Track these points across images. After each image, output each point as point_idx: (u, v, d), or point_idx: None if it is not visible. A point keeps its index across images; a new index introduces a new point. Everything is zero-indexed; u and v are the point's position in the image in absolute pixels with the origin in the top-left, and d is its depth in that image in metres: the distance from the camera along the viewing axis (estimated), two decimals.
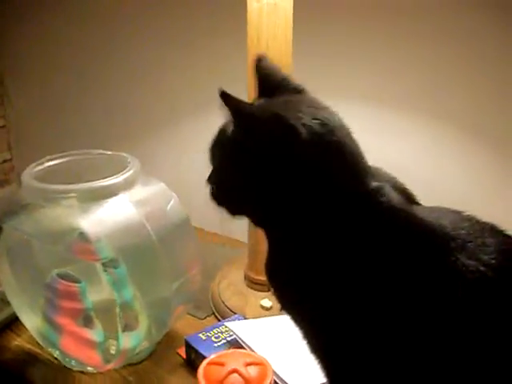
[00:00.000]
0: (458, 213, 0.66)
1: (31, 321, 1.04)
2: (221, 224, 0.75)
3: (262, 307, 1.08)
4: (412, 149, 1.16)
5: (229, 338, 0.97)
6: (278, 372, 0.85)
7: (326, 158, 0.64)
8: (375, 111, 1.15)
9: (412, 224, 0.63)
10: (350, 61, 1.18)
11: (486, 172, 1.12)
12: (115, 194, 0.91)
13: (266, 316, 1.05)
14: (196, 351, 0.95)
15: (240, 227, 1.15)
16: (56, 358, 1.02)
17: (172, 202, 0.97)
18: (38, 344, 1.04)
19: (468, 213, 0.66)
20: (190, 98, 1.43)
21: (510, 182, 1.10)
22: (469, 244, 0.61)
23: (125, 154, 1.01)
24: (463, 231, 0.62)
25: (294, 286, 0.67)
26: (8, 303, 1.06)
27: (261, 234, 1.07)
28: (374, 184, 0.65)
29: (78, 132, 1.72)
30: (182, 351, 1.00)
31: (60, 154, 1.02)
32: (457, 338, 0.58)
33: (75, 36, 1.63)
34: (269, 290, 1.11)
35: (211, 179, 0.73)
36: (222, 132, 0.69)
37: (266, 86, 0.72)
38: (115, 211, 0.90)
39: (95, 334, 0.96)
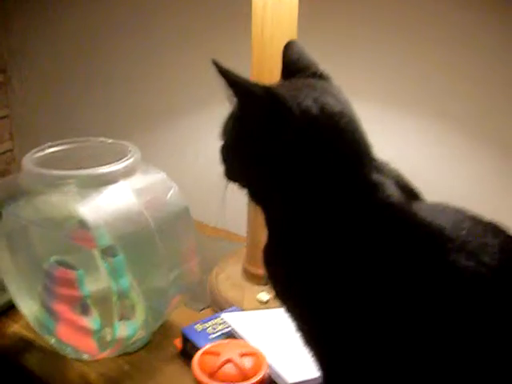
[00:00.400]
0: (461, 212, 0.65)
1: (28, 307, 1.04)
2: (220, 213, 0.75)
3: (260, 301, 1.08)
4: (414, 149, 1.16)
5: (225, 330, 0.97)
6: (272, 364, 0.84)
7: (320, 142, 0.63)
8: (377, 110, 1.15)
9: (408, 223, 0.62)
10: (354, 58, 1.18)
11: (488, 172, 1.12)
12: (115, 182, 0.91)
13: (263, 309, 1.05)
14: (191, 342, 0.95)
15: (239, 221, 1.15)
16: (52, 345, 1.02)
17: (172, 192, 0.97)
18: (35, 331, 1.04)
19: (471, 212, 0.65)
20: (193, 90, 1.43)
21: None
22: (469, 244, 0.60)
23: (125, 143, 1.01)
24: (464, 231, 0.61)
25: (290, 273, 0.66)
26: (5, 290, 1.06)
27: (260, 228, 1.08)
28: (375, 178, 0.64)
29: (81, 122, 1.72)
30: (178, 342, 1.00)
31: (61, 141, 1.02)
32: (452, 338, 0.58)
33: (78, 26, 1.63)
34: (266, 284, 1.11)
35: (223, 157, 0.73)
36: (232, 110, 0.70)
37: (289, 72, 0.72)
38: (115, 199, 0.90)
39: (91, 321, 0.96)
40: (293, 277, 0.66)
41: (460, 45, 1.08)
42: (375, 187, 0.64)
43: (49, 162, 0.97)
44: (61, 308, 0.97)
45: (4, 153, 1.91)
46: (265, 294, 1.09)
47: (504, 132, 1.08)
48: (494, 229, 0.63)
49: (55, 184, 0.90)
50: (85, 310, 0.96)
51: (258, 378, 0.78)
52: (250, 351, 0.81)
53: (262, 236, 1.07)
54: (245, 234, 1.16)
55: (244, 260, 1.16)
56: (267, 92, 0.64)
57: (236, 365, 0.78)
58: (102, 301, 0.94)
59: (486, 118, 1.09)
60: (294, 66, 0.72)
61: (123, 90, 1.60)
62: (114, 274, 0.90)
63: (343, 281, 0.62)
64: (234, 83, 0.64)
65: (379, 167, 0.66)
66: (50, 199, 0.90)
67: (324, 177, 0.63)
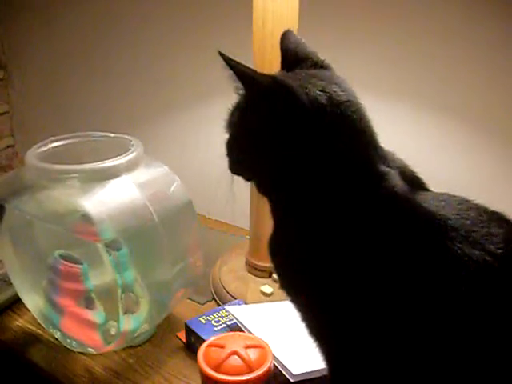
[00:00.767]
0: (466, 202, 0.65)
1: (33, 301, 1.05)
2: (227, 206, 0.75)
3: (263, 293, 1.08)
4: (413, 139, 1.16)
5: (229, 323, 0.98)
6: (277, 356, 0.85)
7: (328, 130, 0.64)
8: (377, 101, 1.15)
9: (412, 212, 0.63)
10: (353, 50, 1.18)
11: (489, 162, 1.12)
12: (118, 176, 0.91)
13: (266, 302, 1.05)
14: (196, 335, 0.96)
15: (241, 214, 1.15)
16: (57, 339, 1.02)
17: (175, 185, 0.97)
18: (40, 325, 1.05)
19: (476, 201, 0.65)
20: (195, 83, 1.43)
21: None
22: (473, 233, 0.60)
23: (128, 137, 1.01)
24: (468, 221, 0.61)
25: (296, 263, 0.67)
26: (10, 284, 1.07)
27: (263, 221, 1.09)
28: (381, 168, 0.64)
29: (82, 117, 1.72)
30: (182, 335, 1.00)
31: (64, 136, 1.02)
32: (457, 326, 0.58)
33: (79, 21, 1.63)
34: (270, 276, 1.11)
35: (228, 149, 0.73)
36: (237, 101, 0.70)
37: (289, 61, 0.72)
38: (118, 192, 0.90)
39: (96, 315, 0.97)
40: (299, 267, 0.66)
41: (459, 36, 1.08)
42: (381, 177, 0.64)
43: (52, 156, 0.97)
44: (65, 302, 0.98)
45: (5, 148, 1.91)
46: (268, 287, 1.09)
47: (504, 122, 1.08)
48: (498, 219, 0.64)
49: (58, 178, 0.90)
50: (89, 304, 0.97)
51: (263, 370, 0.78)
52: (255, 343, 0.82)
53: (265, 229, 1.07)
54: (247, 227, 1.17)
55: (247, 253, 1.16)
56: (275, 82, 0.64)
57: (241, 357, 0.78)
58: (107, 294, 0.95)
59: (486, 108, 1.09)
60: (293, 55, 0.73)
61: (125, 84, 1.60)
62: (119, 267, 0.90)
63: (348, 270, 0.62)
64: (242, 74, 0.64)
65: (385, 157, 0.66)
66: (53, 194, 0.90)
67: (331, 166, 0.64)
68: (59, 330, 1.01)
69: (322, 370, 0.73)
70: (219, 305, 1.10)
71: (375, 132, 0.67)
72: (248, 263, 1.15)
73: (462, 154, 1.15)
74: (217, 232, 1.38)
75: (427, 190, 0.70)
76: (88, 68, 1.66)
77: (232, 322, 0.97)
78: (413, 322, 0.60)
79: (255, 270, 1.14)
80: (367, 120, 0.67)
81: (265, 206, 0.73)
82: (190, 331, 0.97)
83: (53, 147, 1.00)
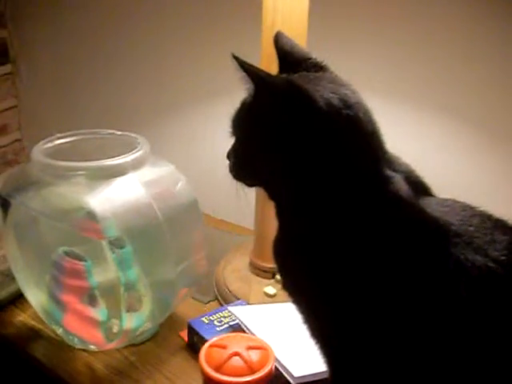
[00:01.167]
0: (470, 208, 0.65)
1: (36, 297, 1.05)
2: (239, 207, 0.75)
3: (266, 294, 1.08)
4: (416, 141, 1.16)
5: (231, 323, 0.97)
6: (279, 358, 0.85)
7: (342, 132, 0.64)
8: (379, 103, 1.15)
9: (416, 217, 0.62)
10: (358, 51, 1.17)
11: (491, 163, 1.12)
12: (124, 174, 0.91)
13: (269, 303, 1.05)
14: (198, 334, 0.95)
15: (246, 213, 1.15)
16: (59, 335, 1.02)
17: (180, 184, 0.97)
18: (42, 320, 1.05)
19: (481, 208, 0.65)
20: (202, 82, 1.43)
21: None
22: (476, 240, 0.60)
23: (135, 135, 1.01)
24: (471, 227, 0.61)
25: (300, 265, 0.67)
26: (13, 279, 1.06)
27: (268, 222, 1.08)
28: (387, 172, 0.64)
29: (90, 113, 1.72)
30: (185, 334, 1.00)
31: (70, 133, 1.02)
32: (458, 333, 0.58)
33: (87, 17, 1.63)
34: (273, 278, 1.11)
35: (231, 152, 0.73)
36: (243, 103, 0.70)
37: (287, 63, 0.72)
38: (123, 190, 0.90)
39: (99, 312, 0.97)
40: (302, 268, 0.66)
41: (462, 36, 1.07)
42: (386, 181, 0.64)
43: (58, 153, 0.97)
44: (68, 298, 0.98)
45: (12, 143, 1.91)
46: (271, 288, 1.09)
47: (507, 122, 1.08)
48: (502, 226, 0.63)
49: (64, 175, 0.90)
50: (92, 301, 0.97)
51: (265, 372, 0.78)
52: (257, 345, 0.81)
53: (270, 229, 1.06)
54: (252, 227, 1.16)
55: (251, 253, 1.16)
56: (291, 85, 0.64)
57: (243, 358, 0.78)
58: (110, 292, 0.95)
59: (489, 108, 1.09)
60: (290, 56, 0.72)
61: (132, 81, 1.60)
62: (122, 265, 0.90)
63: (352, 272, 0.62)
64: (256, 77, 0.64)
65: (391, 161, 0.66)
66: (58, 190, 0.90)
67: (340, 169, 0.64)
68: (61, 327, 1.01)
69: (323, 372, 0.73)
70: (222, 304, 1.09)
71: (382, 135, 0.67)
72: (252, 264, 1.15)
73: (464, 155, 1.14)
74: (221, 231, 1.38)
75: (432, 195, 0.70)
76: (96, 64, 1.66)
77: (235, 322, 0.97)
78: (415, 327, 0.60)
79: (259, 270, 1.13)
80: (375, 123, 0.67)
81: (270, 207, 0.72)
82: (192, 331, 0.97)
83: (59, 144, 1.00)
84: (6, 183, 0.98)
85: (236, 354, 0.78)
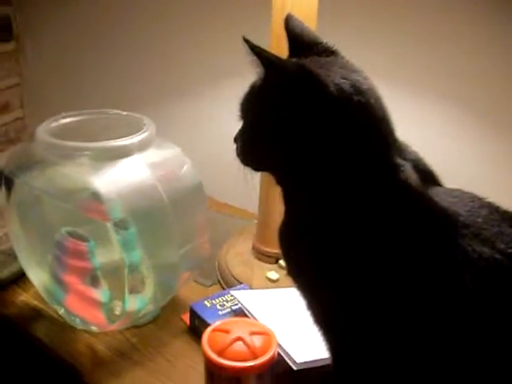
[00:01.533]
0: (478, 199, 0.64)
1: (38, 277, 1.04)
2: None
3: (269, 279, 1.08)
4: (418, 128, 1.15)
5: (234, 307, 0.97)
6: (281, 344, 0.84)
7: (352, 118, 0.63)
8: (382, 90, 1.15)
9: (424, 207, 0.62)
10: (369, 37, 1.16)
11: (495, 151, 1.12)
12: (129, 155, 0.91)
13: (272, 288, 1.05)
14: (200, 318, 0.95)
15: (251, 198, 1.14)
16: (60, 316, 1.02)
17: (186, 167, 0.96)
18: (44, 300, 1.05)
19: (489, 200, 0.65)
20: (208, 64, 1.41)
21: None
22: (484, 231, 0.60)
23: (140, 116, 1.00)
24: (479, 219, 0.61)
25: (305, 251, 0.66)
26: (15, 258, 1.06)
27: (272, 206, 1.08)
28: (396, 160, 0.64)
29: (94, 92, 1.71)
30: (186, 317, 1.00)
31: (75, 112, 1.01)
32: (464, 324, 0.58)
33: None
34: (276, 262, 1.11)
35: (239, 136, 0.72)
36: (252, 87, 0.69)
37: (297, 46, 0.71)
38: (128, 172, 0.90)
39: (101, 293, 0.97)
40: (309, 255, 0.66)
41: (465, 24, 1.07)
42: (395, 169, 0.63)
43: (62, 132, 0.96)
44: (70, 279, 0.97)
45: (14, 121, 1.90)
46: (274, 273, 1.08)
47: (510, 111, 1.07)
48: (510, 218, 0.63)
49: (69, 155, 0.89)
50: (94, 282, 0.96)
51: (268, 357, 0.77)
52: (260, 330, 0.81)
53: (274, 214, 1.06)
54: (255, 211, 1.16)
55: (254, 238, 1.16)
56: (303, 69, 0.63)
57: (246, 343, 0.77)
58: (112, 273, 0.95)
59: (492, 96, 1.08)
60: (300, 40, 0.71)
61: (138, 62, 1.58)
62: (126, 246, 0.90)
63: (358, 259, 0.62)
64: (267, 61, 0.63)
65: (401, 149, 0.66)
66: (63, 170, 0.90)
67: (350, 156, 0.63)
68: (63, 307, 1.01)
69: (325, 359, 0.73)
70: (224, 288, 1.09)
71: (393, 122, 0.66)
72: (255, 248, 1.15)
73: (467, 143, 1.14)
74: (225, 215, 1.37)
75: (440, 184, 0.69)
76: (102, 44, 1.64)
77: (237, 306, 0.97)
78: (419, 316, 0.59)
79: (262, 255, 1.13)
80: (386, 109, 0.66)
81: (274, 192, 0.72)
82: (194, 314, 0.97)
83: (64, 123, 0.99)
84: (9, 161, 0.97)
85: (239, 338, 0.78)
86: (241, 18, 1.30)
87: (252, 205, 1.20)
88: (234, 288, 1.03)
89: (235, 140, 0.73)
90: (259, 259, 1.13)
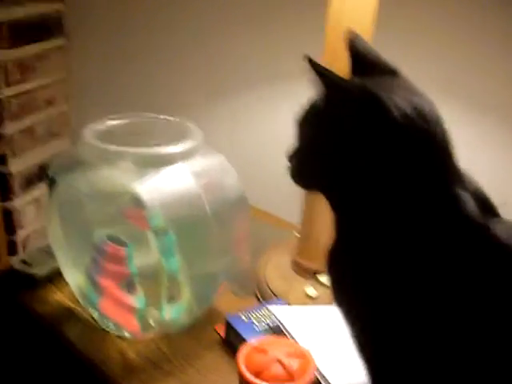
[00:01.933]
0: None
1: (74, 277, 1.03)
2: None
3: (307, 295, 1.05)
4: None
5: (271, 324, 0.94)
6: (319, 366, 0.82)
7: (415, 145, 0.60)
8: None
9: (486, 241, 0.59)
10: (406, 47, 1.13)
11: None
12: (174, 163, 0.89)
13: (309, 304, 1.02)
14: (236, 332, 0.93)
15: (291, 207, 1.11)
16: (94, 319, 1.01)
17: (231, 177, 0.94)
18: (78, 302, 1.04)
19: None
20: (257, 71, 1.40)
21: None
22: None
23: (187, 122, 0.98)
24: None
25: (355, 280, 0.64)
26: (53, 256, 1.05)
27: (315, 221, 1.05)
28: (457, 190, 0.61)
29: (138, 92, 1.71)
30: (220, 329, 0.98)
31: (122, 115, 1.00)
32: None
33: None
34: (315, 277, 1.08)
35: (293, 155, 0.70)
36: (312, 106, 0.67)
37: (359, 66, 0.68)
38: (172, 180, 0.88)
39: (136, 300, 0.95)
40: (359, 282, 0.64)
41: (498, 33, 1.05)
42: (456, 199, 0.60)
43: (108, 135, 0.94)
44: (106, 282, 0.96)
45: (58, 115, 1.91)
46: (312, 289, 1.06)
47: None
48: None
49: (114, 160, 0.87)
50: (130, 288, 0.95)
51: (305, 381, 0.75)
52: (298, 351, 0.79)
53: (316, 228, 1.04)
54: (296, 221, 1.13)
55: (294, 251, 1.13)
56: (365, 91, 0.61)
57: (283, 365, 0.75)
58: (149, 280, 0.93)
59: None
60: (363, 59, 0.69)
61: (185, 64, 1.58)
62: (165, 252, 0.88)
63: (411, 291, 0.59)
64: (330, 81, 0.61)
65: (461, 178, 0.63)
66: (106, 174, 0.88)
67: (409, 183, 0.60)
68: (97, 310, 0.99)
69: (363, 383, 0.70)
70: (260, 301, 1.07)
71: (454, 149, 0.63)
72: (294, 262, 1.12)
73: (499, 154, 1.11)
74: (264, 224, 1.35)
75: (498, 215, 0.65)
76: (151, 45, 1.64)
77: (274, 323, 0.94)
78: (470, 354, 0.57)
79: (301, 269, 1.10)
80: (448, 136, 0.63)
81: (319, 205, 0.71)
82: (230, 327, 0.95)
83: (110, 125, 0.98)
84: (54, 162, 0.97)
85: (276, 360, 0.76)
86: (290, 25, 1.28)
87: (291, 213, 1.17)
88: (271, 302, 1.01)
89: (289, 159, 0.70)
90: (298, 273, 1.11)
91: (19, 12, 1.65)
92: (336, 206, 0.67)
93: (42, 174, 0.98)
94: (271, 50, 1.37)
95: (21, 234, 1.45)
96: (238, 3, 1.40)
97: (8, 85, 1.68)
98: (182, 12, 1.53)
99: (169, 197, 0.85)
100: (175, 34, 1.57)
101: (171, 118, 1.00)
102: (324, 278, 1.06)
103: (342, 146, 0.62)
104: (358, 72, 0.68)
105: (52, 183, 0.95)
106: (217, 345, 0.97)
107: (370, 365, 0.66)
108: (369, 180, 0.61)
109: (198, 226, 0.90)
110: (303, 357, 0.78)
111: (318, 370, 0.81)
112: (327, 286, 0.95)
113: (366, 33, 0.93)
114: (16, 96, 1.71)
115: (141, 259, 0.94)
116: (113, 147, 0.88)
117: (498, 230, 0.59)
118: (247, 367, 0.75)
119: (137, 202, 0.84)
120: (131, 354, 0.95)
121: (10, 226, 1.76)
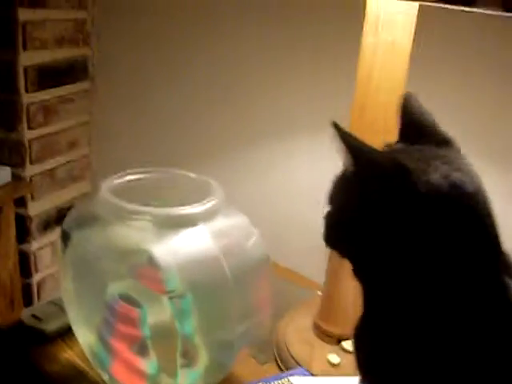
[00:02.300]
0: None
1: (85, 336, 0.98)
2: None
3: (329, 363, 0.99)
4: None
5: None
6: None
7: (452, 222, 0.55)
8: None
9: None
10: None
11: None
12: (194, 225, 0.84)
13: (332, 373, 0.96)
14: None
15: (316, 266, 1.06)
16: (104, 382, 0.96)
17: (253, 239, 0.89)
18: (89, 362, 0.99)
19: None
20: (280, 127, 1.37)
21: None
22: None
23: (209, 179, 0.94)
24: None
25: (385, 358, 0.58)
26: (65, 311, 1.01)
27: (339, 285, 1.00)
28: (503, 278, 0.55)
29: (159, 137, 1.69)
30: None
31: (141, 169, 0.97)
32: None
33: (167, 43, 1.61)
34: (338, 344, 1.02)
35: (325, 218, 0.65)
36: (343, 175, 0.62)
37: (409, 130, 0.64)
38: (191, 242, 0.83)
39: (148, 364, 0.90)
40: (388, 363, 0.58)
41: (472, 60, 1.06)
42: (502, 290, 0.54)
43: (126, 189, 0.91)
44: (118, 345, 0.91)
45: (80, 158, 1.89)
46: (335, 356, 0.99)
47: None
48: None
49: (131, 218, 0.84)
50: (143, 351, 0.89)
51: None
52: None
53: (341, 291, 0.98)
54: (319, 280, 1.07)
55: (316, 314, 1.07)
56: (394, 165, 0.56)
57: None
58: (163, 343, 0.88)
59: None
60: (414, 126, 0.64)
61: (206, 118, 1.56)
62: (180, 315, 0.83)
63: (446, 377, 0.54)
64: (357, 151, 0.57)
65: (508, 264, 0.57)
66: (122, 231, 0.84)
67: (444, 265, 0.55)
68: (108, 373, 0.94)
69: None
70: (280, 367, 1.01)
71: (499, 232, 0.57)
72: (316, 326, 1.06)
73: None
74: (286, 282, 1.29)
75: None
76: (174, 94, 1.63)
77: None
78: None
79: (323, 334, 1.04)
80: (493, 217, 0.57)
81: (344, 267, 0.65)
82: None
83: (128, 180, 0.95)
84: (69, 216, 0.93)
85: None
86: (325, 86, 1.25)
87: (313, 272, 1.12)
88: (292, 371, 0.95)
89: (324, 221, 0.66)
90: (320, 338, 1.05)
91: (46, 56, 1.66)
92: (363, 279, 0.62)
93: (60, 218, 0.94)
94: (296, 103, 1.36)
95: (36, 277, 1.42)
96: (262, 58, 1.39)
97: (30, 128, 1.67)
98: (207, 67, 1.53)
99: (186, 259, 0.81)
100: (200, 87, 1.57)
101: (193, 175, 0.96)
102: (348, 345, 1.00)
103: (371, 218, 0.57)
104: (406, 137, 0.64)
105: (66, 237, 0.92)
106: None
107: None
108: (399, 256, 0.56)
109: (216, 289, 0.85)
110: None
111: None
112: (351, 353, 0.90)
113: (398, 89, 0.89)
114: (38, 139, 1.71)
115: (154, 317, 0.89)
116: (130, 206, 0.84)
117: None
118: None
119: (152, 263, 0.80)
120: None
121: (26, 269, 1.74)
